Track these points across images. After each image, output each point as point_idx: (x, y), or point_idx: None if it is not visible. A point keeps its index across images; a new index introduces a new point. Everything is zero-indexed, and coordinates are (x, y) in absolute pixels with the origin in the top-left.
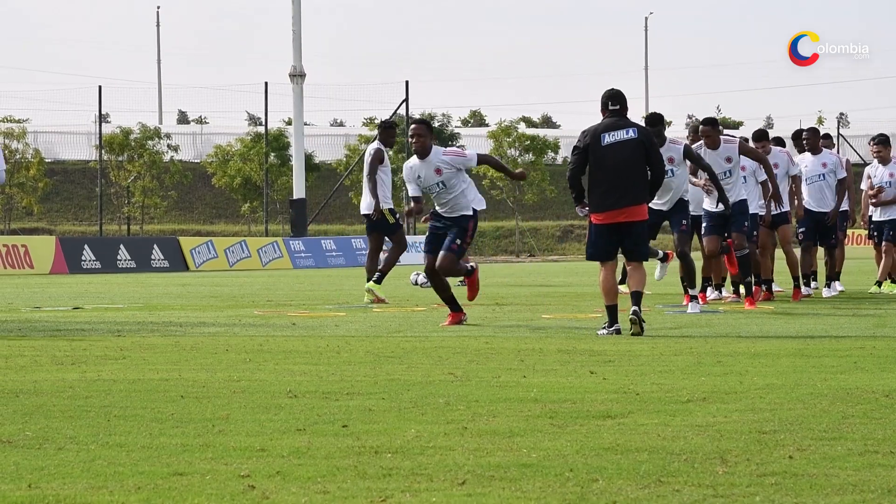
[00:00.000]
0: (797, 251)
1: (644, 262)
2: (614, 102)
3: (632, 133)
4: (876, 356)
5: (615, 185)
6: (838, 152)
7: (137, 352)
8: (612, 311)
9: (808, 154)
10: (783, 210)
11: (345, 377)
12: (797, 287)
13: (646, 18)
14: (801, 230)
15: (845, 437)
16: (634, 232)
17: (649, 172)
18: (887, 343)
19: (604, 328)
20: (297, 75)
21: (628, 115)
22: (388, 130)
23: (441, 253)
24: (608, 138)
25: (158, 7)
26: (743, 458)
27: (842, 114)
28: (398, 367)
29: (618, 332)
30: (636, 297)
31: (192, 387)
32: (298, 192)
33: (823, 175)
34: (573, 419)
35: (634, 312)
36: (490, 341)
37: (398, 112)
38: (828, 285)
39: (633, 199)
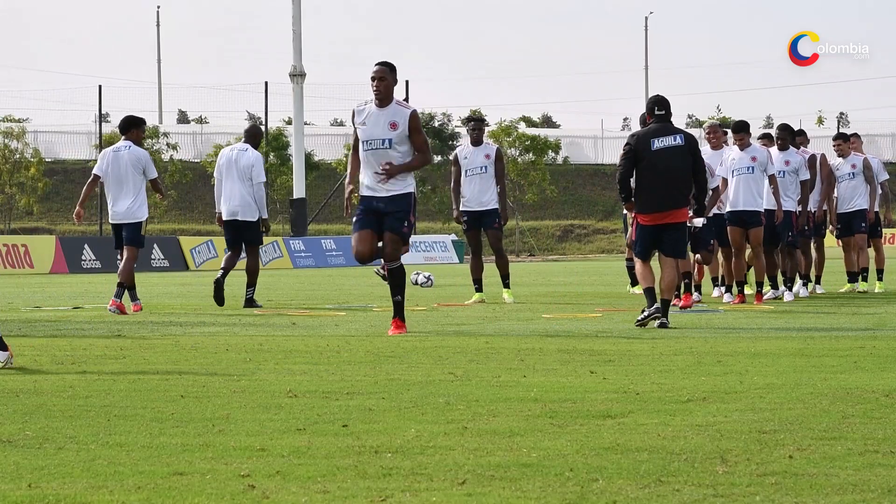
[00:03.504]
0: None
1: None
2: (660, 108)
3: (679, 140)
4: (876, 356)
5: (663, 188)
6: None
7: (137, 352)
8: (650, 294)
9: (774, 149)
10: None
11: (345, 377)
12: (759, 291)
13: (646, 18)
14: None
15: (845, 437)
16: (675, 232)
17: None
18: (887, 343)
19: (643, 312)
20: (297, 75)
21: (672, 120)
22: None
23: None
24: (657, 143)
25: (158, 7)
26: (743, 458)
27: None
28: (398, 367)
29: (656, 311)
30: (665, 305)
31: (192, 387)
32: (298, 191)
33: (784, 173)
34: (573, 419)
35: (662, 324)
36: (490, 341)
37: None
38: (773, 287)
39: (678, 202)
